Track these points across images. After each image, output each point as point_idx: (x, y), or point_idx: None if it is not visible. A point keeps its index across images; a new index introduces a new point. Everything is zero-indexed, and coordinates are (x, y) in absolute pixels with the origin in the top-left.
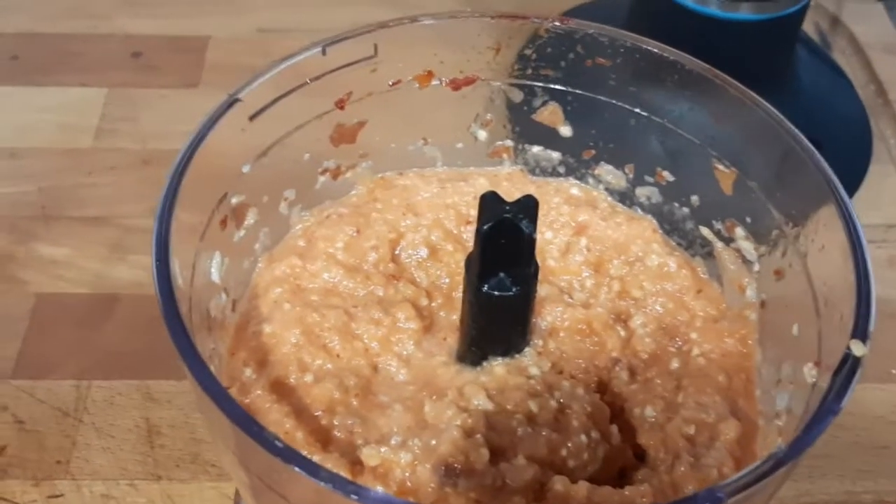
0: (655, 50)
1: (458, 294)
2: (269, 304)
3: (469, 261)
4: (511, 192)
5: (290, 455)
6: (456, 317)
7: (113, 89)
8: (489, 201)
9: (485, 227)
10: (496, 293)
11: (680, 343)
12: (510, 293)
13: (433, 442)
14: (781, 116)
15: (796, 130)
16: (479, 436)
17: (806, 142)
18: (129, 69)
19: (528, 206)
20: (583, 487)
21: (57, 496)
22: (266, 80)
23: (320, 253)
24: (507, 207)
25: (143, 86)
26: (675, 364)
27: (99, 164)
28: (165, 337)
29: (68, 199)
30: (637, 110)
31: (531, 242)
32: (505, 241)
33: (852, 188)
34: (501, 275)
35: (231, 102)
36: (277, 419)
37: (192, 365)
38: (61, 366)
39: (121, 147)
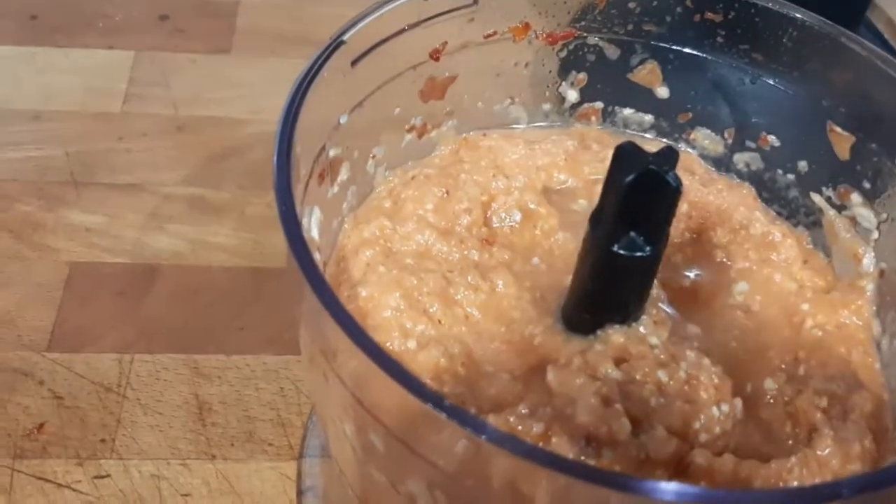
0: (774, 6)
1: (555, 260)
2: (361, 267)
3: (595, 218)
4: (600, 155)
5: (461, 415)
6: (554, 283)
7: (140, 53)
8: (628, 152)
9: (628, 180)
10: (627, 253)
11: (790, 314)
12: (643, 254)
13: (568, 411)
14: None
15: None
16: (617, 405)
17: None
18: (156, 32)
19: (671, 157)
20: (728, 461)
21: (103, 476)
22: (368, 22)
23: (410, 215)
24: (651, 159)
25: (172, 50)
26: (786, 335)
27: (130, 130)
28: (211, 310)
29: (99, 164)
30: (747, 70)
31: (676, 198)
32: (645, 195)
33: None
34: (632, 234)
35: (337, 44)
36: None
37: (331, 306)
38: (100, 338)
39: (152, 112)
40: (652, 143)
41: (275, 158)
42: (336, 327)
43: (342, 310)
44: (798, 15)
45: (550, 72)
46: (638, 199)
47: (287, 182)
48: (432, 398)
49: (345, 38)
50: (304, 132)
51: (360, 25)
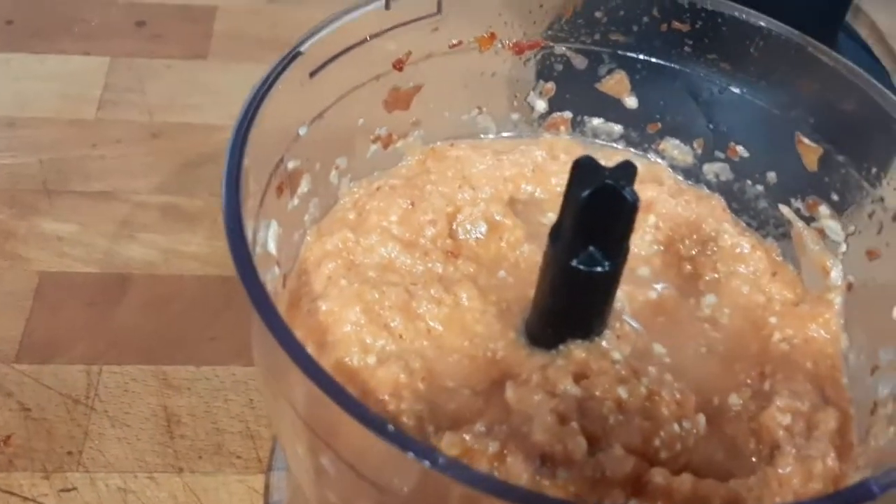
0: (741, 15)
1: (521, 272)
2: (322, 281)
3: (554, 232)
4: (568, 166)
5: (404, 440)
6: (519, 297)
7: (116, 59)
8: (586, 166)
9: (584, 195)
10: (587, 269)
11: (758, 328)
12: (602, 269)
13: (524, 429)
14: (883, 89)
15: None
16: (574, 423)
17: None
18: (133, 38)
19: (629, 172)
20: (687, 480)
21: (69, 490)
22: (328, 33)
23: (374, 226)
24: (608, 173)
25: (148, 56)
26: (753, 349)
27: (104, 137)
28: (182, 321)
29: (72, 172)
30: (715, 80)
31: (633, 213)
32: (602, 210)
33: None
34: (591, 249)
35: (294, 55)
36: None
37: (279, 333)
38: (70, 349)
39: (127, 119)
40: (621, 154)
41: (224, 174)
42: (281, 352)
43: (286, 332)
44: (764, 24)
45: (518, 81)
46: (595, 214)
47: (236, 199)
48: (375, 423)
49: (302, 49)
50: (260, 146)
51: (318, 36)
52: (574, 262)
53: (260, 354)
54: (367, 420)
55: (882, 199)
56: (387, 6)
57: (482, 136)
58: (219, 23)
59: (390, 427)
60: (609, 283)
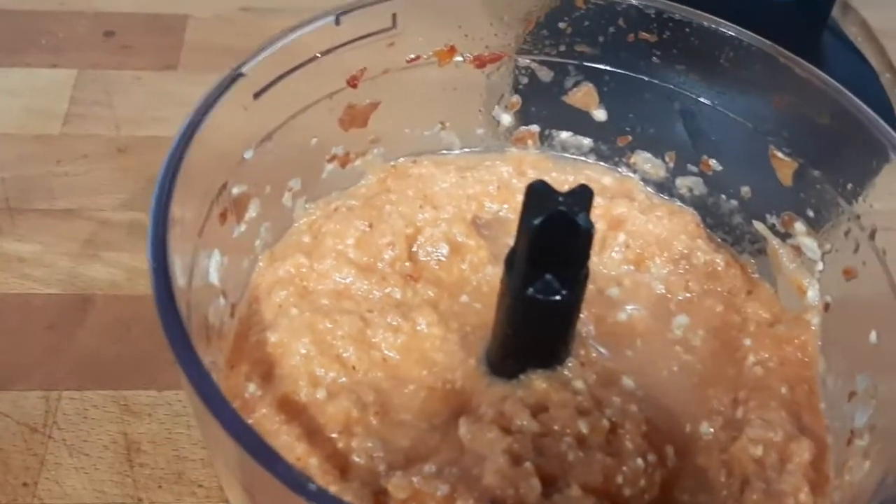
0: (710, 24)
1: (485, 296)
2: (273, 309)
3: (510, 259)
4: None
5: (321, 497)
6: (482, 322)
7: (84, 71)
8: (539, 192)
9: (536, 222)
10: (543, 297)
11: (732, 349)
12: (559, 298)
13: (475, 471)
14: (858, 101)
15: (876, 117)
16: (528, 463)
17: (889, 130)
18: (101, 49)
19: (584, 197)
20: None
21: None
22: (273, 52)
23: (329, 250)
24: (561, 199)
25: (117, 67)
26: (727, 372)
27: (69, 152)
28: (144, 343)
29: (36, 190)
30: (684, 91)
31: (588, 239)
32: (556, 237)
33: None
34: (548, 276)
35: (234, 77)
36: (287, 442)
37: (199, 385)
38: (28, 375)
39: (93, 133)
40: (591, 168)
41: (151, 209)
42: (203, 408)
43: (195, 363)
44: (733, 33)
45: (481, 95)
46: (550, 241)
47: (162, 233)
48: (296, 483)
49: (244, 70)
50: (198, 172)
51: (261, 56)
52: (530, 291)
53: (187, 397)
54: (289, 479)
55: (858, 217)
56: (337, 22)
57: (446, 151)
58: (190, 32)
59: (312, 486)
60: (568, 311)
